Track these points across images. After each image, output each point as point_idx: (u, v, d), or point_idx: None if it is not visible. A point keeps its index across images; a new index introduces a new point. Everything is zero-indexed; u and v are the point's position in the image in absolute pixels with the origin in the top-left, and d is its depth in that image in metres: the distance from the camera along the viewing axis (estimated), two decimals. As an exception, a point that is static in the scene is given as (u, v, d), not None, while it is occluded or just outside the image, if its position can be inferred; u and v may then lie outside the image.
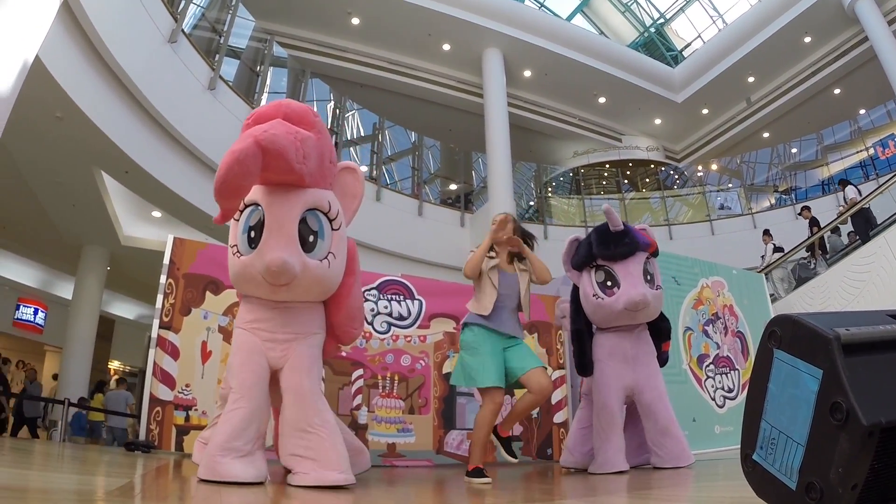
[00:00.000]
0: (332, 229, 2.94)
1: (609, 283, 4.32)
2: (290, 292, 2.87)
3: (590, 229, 14.72)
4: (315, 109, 3.07)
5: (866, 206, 10.40)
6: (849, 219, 10.51)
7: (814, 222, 11.72)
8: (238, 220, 2.92)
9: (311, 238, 2.86)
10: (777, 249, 11.75)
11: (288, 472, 2.88)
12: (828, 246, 10.77)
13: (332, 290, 3.03)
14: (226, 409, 2.84)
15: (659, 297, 4.44)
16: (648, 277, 4.37)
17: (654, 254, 4.52)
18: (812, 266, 10.25)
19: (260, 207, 2.83)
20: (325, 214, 2.92)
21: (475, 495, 2.95)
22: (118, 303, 15.91)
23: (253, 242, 2.82)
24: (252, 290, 2.93)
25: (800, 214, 12.50)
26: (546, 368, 3.79)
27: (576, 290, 4.63)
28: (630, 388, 4.37)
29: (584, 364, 4.46)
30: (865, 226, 10.07)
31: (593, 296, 4.37)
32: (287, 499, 2.46)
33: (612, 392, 4.31)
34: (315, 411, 2.87)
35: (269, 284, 2.79)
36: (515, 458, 3.72)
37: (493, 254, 3.96)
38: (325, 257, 2.89)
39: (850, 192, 11.24)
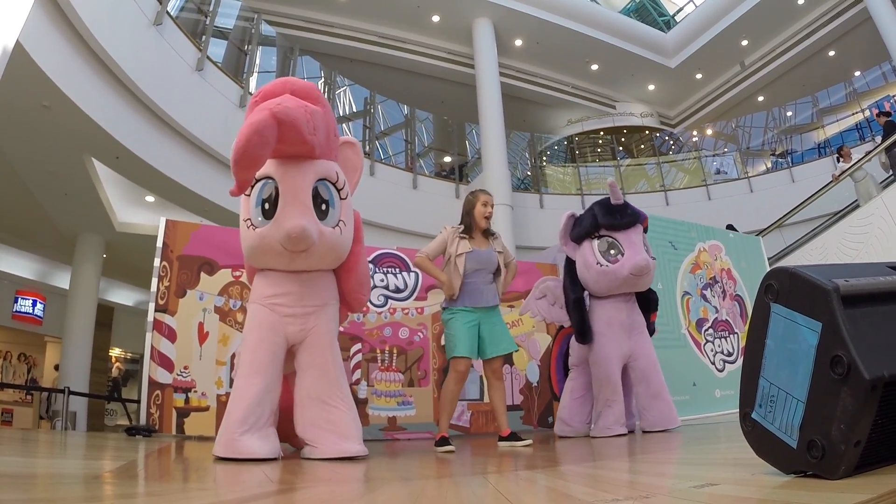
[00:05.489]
0: (341, 199, 3.08)
1: (613, 252, 4.50)
2: (307, 259, 2.98)
3: (586, 197, 14.69)
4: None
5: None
6: None
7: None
8: (249, 195, 3.01)
9: (324, 206, 3.00)
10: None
11: (302, 443, 3.01)
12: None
13: (343, 256, 3.16)
14: (237, 385, 2.92)
15: (654, 267, 4.62)
16: (645, 248, 4.58)
17: (645, 230, 4.73)
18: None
19: (272, 180, 2.93)
20: (334, 184, 3.05)
21: (477, 464, 2.96)
22: (116, 290, 15.84)
23: (268, 214, 2.92)
24: (269, 261, 3.02)
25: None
26: (508, 356, 4.18)
27: (570, 263, 4.80)
28: (626, 356, 4.57)
29: (584, 331, 4.59)
30: None
31: (597, 264, 4.52)
32: (302, 469, 2.54)
33: (612, 363, 4.51)
34: (338, 386, 3.02)
35: (287, 253, 2.89)
36: (524, 440, 3.87)
37: (465, 235, 4.12)
38: (337, 225, 3.02)
39: None
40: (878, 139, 10.64)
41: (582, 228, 4.67)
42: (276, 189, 2.91)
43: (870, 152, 10.29)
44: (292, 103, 2.77)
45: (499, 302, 4.16)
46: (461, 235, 4.09)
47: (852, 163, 10.23)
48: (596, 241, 4.57)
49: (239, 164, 2.62)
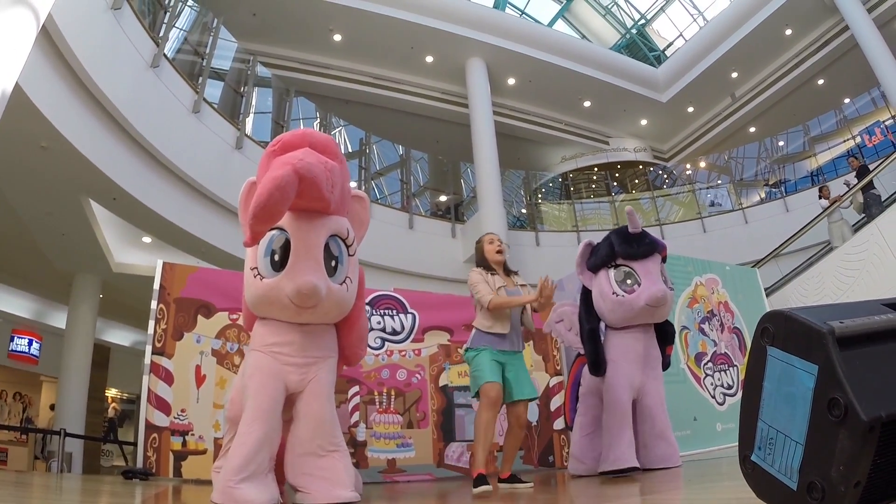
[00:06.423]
0: (349, 255, 3.09)
1: (629, 282, 4.41)
2: (313, 314, 2.96)
3: (582, 233, 14.65)
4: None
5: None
6: None
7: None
8: (257, 244, 2.97)
9: (333, 263, 2.99)
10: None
11: (293, 490, 2.97)
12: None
13: (347, 311, 3.15)
14: (239, 431, 2.88)
15: (672, 297, 4.53)
16: (663, 278, 4.48)
17: (664, 259, 4.63)
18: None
19: (284, 232, 2.92)
20: (344, 241, 3.06)
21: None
22: (113, 330, 15.78)
23: (276, 265, 2.90)
24: (274, 312, 3.00)
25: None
26: (531, 401, 4.03)
27: (585, 292, 4.70)
28: (637, 388, 4.45)
29: (598, 363, 4.48)
30: None
31: (612, 294, 4.43)
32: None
33: (624, 389, 4.38)
34: (332, 436, 3.00)
35: (294, 307, 2.86)
36: (525, 482, 3.80)
37: (494, 271, 4.09)
38: (344, 281, 3.02)
39: None
40: (853, 182, 10.83)
41: (598, 257, 4.59)
42: (287, 241, 2.90)
43: (846, 193, 10.53)
44: (314, 159, 2.77)
45: (523, 348, 4.10)
46: (492, 273, 4.06)
47: (844, 192, 10.42)
48: (612, 271, 4.48)
49: (257, 218, 2.62)
